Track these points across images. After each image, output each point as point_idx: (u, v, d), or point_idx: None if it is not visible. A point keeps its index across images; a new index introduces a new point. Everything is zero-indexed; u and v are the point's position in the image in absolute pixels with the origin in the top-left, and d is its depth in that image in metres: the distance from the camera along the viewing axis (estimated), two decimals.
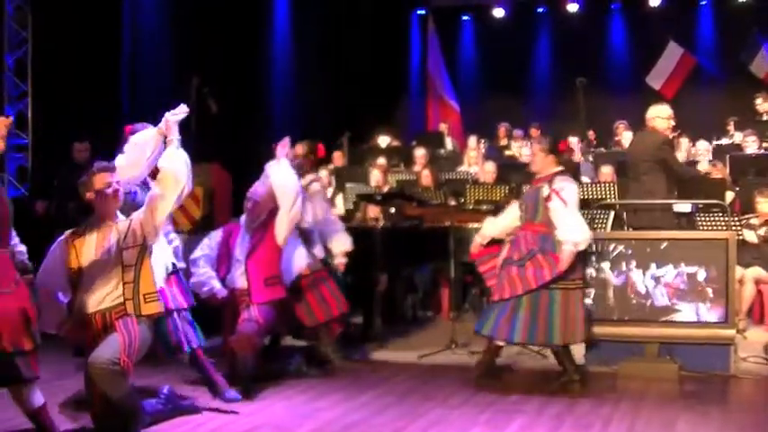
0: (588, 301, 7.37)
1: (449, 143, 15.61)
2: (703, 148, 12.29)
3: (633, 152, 8.85)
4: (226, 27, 13.76)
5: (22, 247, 5.21)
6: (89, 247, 5.24)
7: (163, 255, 5.98)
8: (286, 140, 7.00)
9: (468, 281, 9.84)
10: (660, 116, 8.60)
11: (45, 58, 11.84)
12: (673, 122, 8.77)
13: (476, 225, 8.67)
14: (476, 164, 12.88)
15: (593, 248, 7.42)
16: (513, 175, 11.72)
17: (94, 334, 5.19)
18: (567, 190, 6.73)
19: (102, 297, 5.20)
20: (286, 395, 6.50)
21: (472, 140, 14.71)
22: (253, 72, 14.93)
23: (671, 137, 9.25)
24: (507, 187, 10.86)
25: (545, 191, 6.78)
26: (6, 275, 4.92)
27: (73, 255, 5.26)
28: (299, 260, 7.28)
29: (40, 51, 11.93)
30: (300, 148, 7.84)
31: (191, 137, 10.64)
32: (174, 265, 6.17)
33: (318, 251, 7.55)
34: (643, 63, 17.33)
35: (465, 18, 20.17)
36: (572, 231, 6.64)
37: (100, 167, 5.38)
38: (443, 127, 16.52)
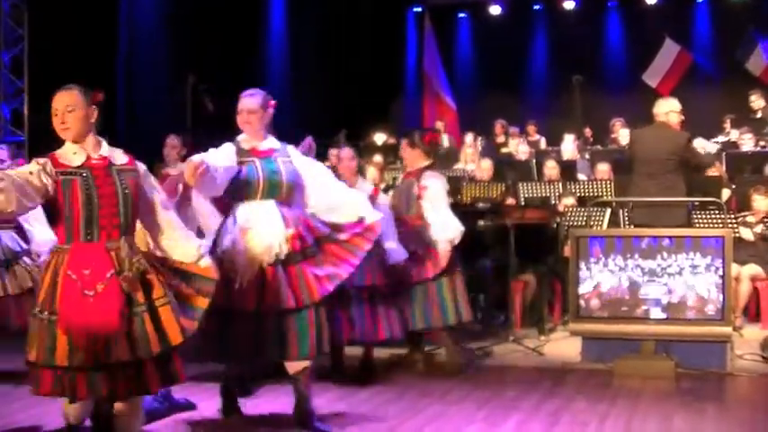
0: (594, 301, 7.42)
1: (445, 140, 15.61)
2: (700, 146, 12.31)
3: (651, 148, 8.42)
4: (222, 25, 13.78)
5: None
6: None
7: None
8: (307, 141, 6.78)
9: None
10: (674, 110, 8.49)
11: (41, 56, 11.83)
12: (682, 117, 8.70)
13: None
14: (472, 161, 12.91)
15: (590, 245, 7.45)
16: (510, 173, 11.74)
17: None
18: (432, 188, 6.92)
19: None
20: (283, 392, 6.50)
21: (468, 138, 14.74)
22: (249, 70, 14.93)
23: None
24: (503, 185, 10.87)
25: (416, 187, 6.99)
26: (94, 274, 4.21)
27: None
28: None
29: (37, 49, 11.93)
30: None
31: (186, 134, 10.69)
32: None
33: (400, 253, 6.77)
34: (639, 60, 17.33)
35: (461, 15, 20.19)
36: (444, 229, 6.87)
37: None
38: (440, 124, 16.53)
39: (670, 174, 8.29)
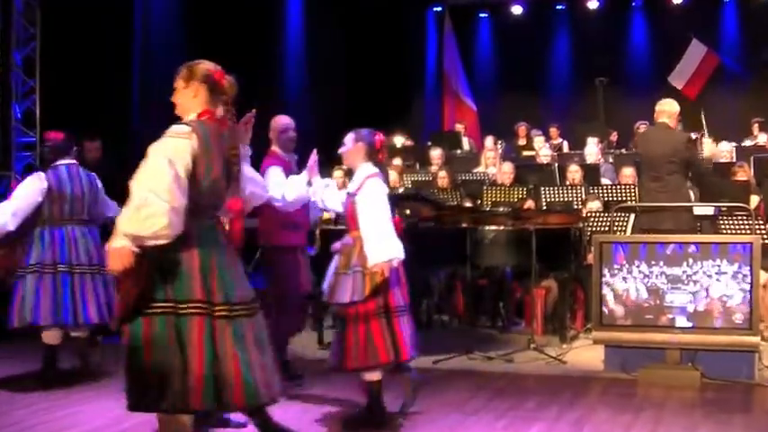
0: (618, 309, 7.41)
1: (465, 143, 15.63)
2: (726, 150, 12.26)
3: (655, 150, 8.56)
4: (239, 25, 13.80)
5: None
6: None
7: None
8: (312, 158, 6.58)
9: (484, 284, 9.84)
10: (672, 110, 8.59)
11: (53, 55, 11.87)
12: (679, 119, 8.75)
13: (492, 227, 8.70)
14: (493, 165, 12.89)
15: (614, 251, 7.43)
16: (531, 177, 11.71)
17: None
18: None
19: None
20: (297, 400, 6.51)
21: (489, 141, 14.72)
22: (266, 71, 14.96)
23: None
24: (525, 189, 10.85)
25: None
26: None
27: None
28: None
29: (49, 48, 11.96)
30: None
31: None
32: None
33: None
34: (665, 62, 17.29)
35: (482, 15, 20.19)
36: None
37: None
38: (460, 127, 16.56)
39: (671, 176, 8.34)
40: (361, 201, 5.76)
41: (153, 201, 3.99)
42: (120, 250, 4.01)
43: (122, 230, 4.02)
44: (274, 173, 6.75)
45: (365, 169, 5.91)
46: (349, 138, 6.08)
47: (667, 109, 8.60)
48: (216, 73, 4.45)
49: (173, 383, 4.03)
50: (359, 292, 5.63)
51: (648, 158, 8.60)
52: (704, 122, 10.90)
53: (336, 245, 5.96)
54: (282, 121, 7.27)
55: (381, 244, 5.63)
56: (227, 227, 4.52)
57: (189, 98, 4.43)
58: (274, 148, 7.15)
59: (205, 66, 4.49)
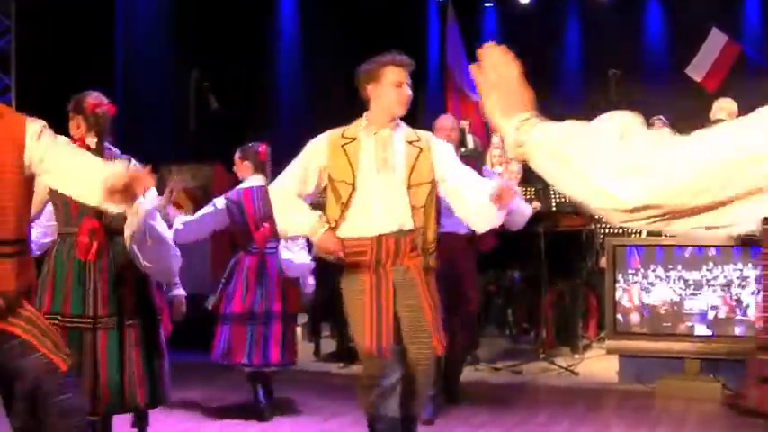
0: (633, 316, 7.40)
1: (470, 141, 15.60)
2: None
3: None
4: (228, 15, 13.79)
5: None
6: None
7: None
8: None
9: (492, 291, 9.84)
10: (732, 109, 8.62)
11: (30, 49, 11.86)
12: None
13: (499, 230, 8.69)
14: (499, 164, 12.88)
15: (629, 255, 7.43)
16: (540, 176, 11.69)
17: None
18: None
19: None
20: (296, 416, 6.51)
21: (495, 138, 14.71)
22: (258, 65, 14.95)
23: None
24: (533, 189, 10.86)
25: None
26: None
27: None
28: None
29: (25, 41, 11.95)
30: None
31: (189, 135, 10.72)
32: None
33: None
34: (682, 52, 17.23)
35: (488, 5, 20.17)
36: None
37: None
38: (464, 124, 16.49)
39: None
40: None
41: None
42: None
43: None
44: None
45: (249, 181, 6.77)
46: (236, 156, 6.91)
47: (726, 106, 8.66)
48: (89, 105, 4.98)
49: None
50: None
51: None
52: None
53: None
54: (439, 121, 7.73)
55: None
56: None
57: (74, 129, 4.99)
58: None
59: (85, 98, 5.04)
